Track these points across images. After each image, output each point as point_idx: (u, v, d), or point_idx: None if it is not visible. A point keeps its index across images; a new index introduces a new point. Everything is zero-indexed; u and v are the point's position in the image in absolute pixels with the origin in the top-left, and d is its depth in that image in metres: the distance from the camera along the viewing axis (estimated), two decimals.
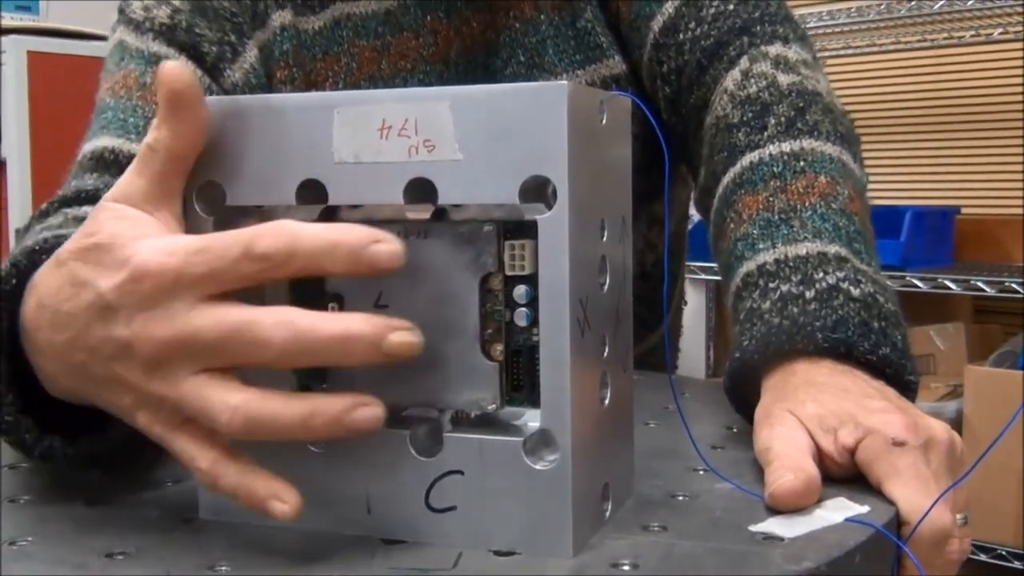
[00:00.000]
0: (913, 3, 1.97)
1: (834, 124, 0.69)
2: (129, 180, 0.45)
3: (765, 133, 0.68)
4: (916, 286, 1.98)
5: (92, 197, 0.68)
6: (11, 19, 3.60)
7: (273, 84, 0.82)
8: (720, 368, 2.48)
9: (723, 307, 2.51)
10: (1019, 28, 2.03)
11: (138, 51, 0.79)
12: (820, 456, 0.49)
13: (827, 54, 2.33)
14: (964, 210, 2.25)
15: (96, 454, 0.51)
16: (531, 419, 0.44)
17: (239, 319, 0.40)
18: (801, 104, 0.69)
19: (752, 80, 0.72)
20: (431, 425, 0.45)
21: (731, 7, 0.76)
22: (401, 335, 0.40)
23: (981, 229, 2.22)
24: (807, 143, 0.67)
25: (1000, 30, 2.08)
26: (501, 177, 0.41)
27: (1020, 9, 1.93)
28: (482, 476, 0.43)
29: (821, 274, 0.57)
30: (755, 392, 0.57)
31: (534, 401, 0.43)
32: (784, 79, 0.71)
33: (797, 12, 2.14)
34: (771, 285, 0.58)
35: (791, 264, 0.59)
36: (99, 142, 0.75)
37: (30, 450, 0.49)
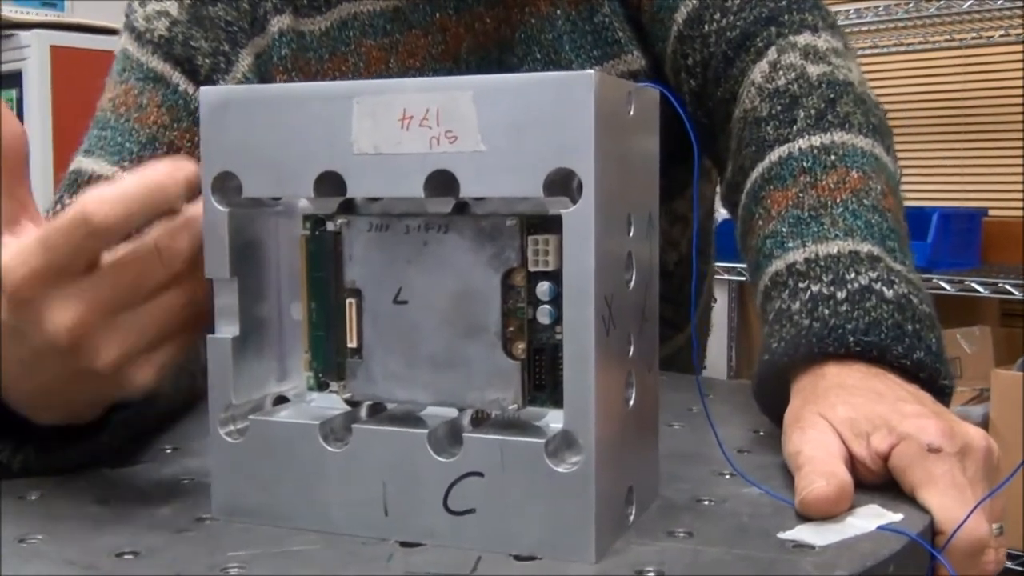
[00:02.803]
0: (942, 2, 1.94)
1: (866, 115, 0.67)
2: None
3: (795, 127, 0.66)
4: (943, 288, 1.96)
5: None
6: (36, 14, 3.63)
7: None
8: (742, 369, 2.45)
9: (746, 307, 2.49)
10: None
11: (138, 64, 0.80)
12: (852, 462, 0.48)
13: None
14: (992, 212, 2.22)
15: (69, 462, 0.53)
16: (553, 420, 0.43)
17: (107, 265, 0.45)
18: (832, 95, 0.68)
19: (780, 72, 0.70)
20: (450, 425, 0.44)
21: None
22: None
23: (1009, 231, 2.19)
24: (838, 136, 0.65)
25: None
26: (525, 170, 0.40)
27: None
28: (502, 478, 0.41)
29: (853, 274, 0.55)
30: (784, 395, 0.55)
31: (557, 401, 0.42)
32: (814, 70, 0.69)
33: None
34: (801, 285, 0.56)
35: (822, 263, 0.57)
36: (94, 165, 0.76)
37: (7, 468, 0.51)
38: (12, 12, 3.56)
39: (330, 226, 0.45)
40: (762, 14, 0.73)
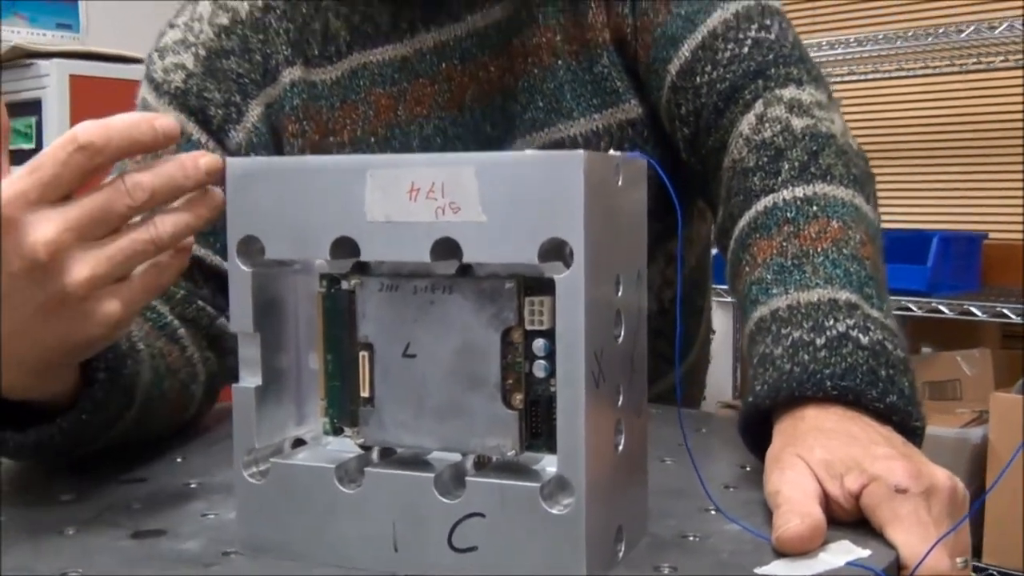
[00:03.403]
0: (942, 31, 1.98)
1: (847, 167, 0.71)
2: None
3: (779, 178, 0.70)
4: (942, 312, 1.99)
5: None
6: (52, 36, 3.69)
7: (284, 138, 0.85)
8: (746, 390, 2.49)
9: None
10: None
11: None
12: (827, 500, 0.52)
13: (855, 78, 2.34)
14: (992, 235, 2.25)
15: (44, 442, 0.58)
16: (548, 464, 0.47)
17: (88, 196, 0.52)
18: (815, 147, 0.72)
19: (767, 124, 0.74)
20: (454, 469, 0.48)
21: (746, 50, 0.78)
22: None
23: (1009, 255, 2.22)
24: (820, 187, 0.69)
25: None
26: (522, 238, 0.44)
27: None
28: (502, 518, 0.45)
29: (832, 321, 0.59)
30: (767, 434, 0.59)
31: (551, 447, 0.45)
32: (798, 123, 0.73)
33: (827, 38, 2.17)
34: (783, 331, 0.60)
35: (803, 311, 0.61)
36: None
37: None
38: (30, 35, 3.63)
39: (345, 285, 0.49)
40: (750, 68, 0.77)
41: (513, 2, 0.84)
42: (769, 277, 0.65)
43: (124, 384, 0.60)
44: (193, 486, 0.62)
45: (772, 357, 0.60)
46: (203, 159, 0.54)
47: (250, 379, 0.50)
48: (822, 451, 0.54)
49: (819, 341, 0.59)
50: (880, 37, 2.08)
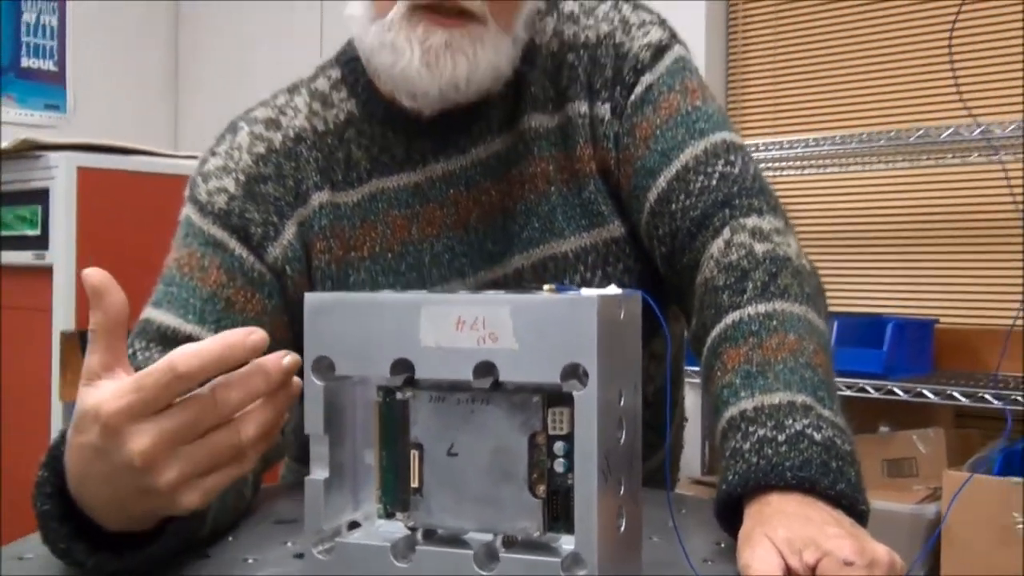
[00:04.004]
0: (892, 133, 2.15)
1: (801, 286, 0.84)
2: (88, 360, 0.64)
3: (744, 296, 0.83)
4: (897, 394, 2.12)
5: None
6: (40, 117, 3.80)
7: (312, 253, 0.96)
8: (714, 463, 2.60)
9: None
10: (990, 155, 2.21)
11: (200, 231, 0.95)
12: (788, 572, 0.63)
13: (814, 170, 2.51)
14: (943, 320, 2.39)
15: (128, 566, 0.67)
16: (566, 543, 0.58)
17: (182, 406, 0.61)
18: (774, 270, 0.84)
19: (733, 249, 0.87)
20: (488, 547, 0.59)
21: (714, 182, 0.91)
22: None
23: (958, 340, 2.36)
24: (779, 305, 0.81)
25: (977, 155, 2.26)
26: (546, 363, 0.56)
27: (991, 142, 2.10)
28: None
29: (791, 421, 0.71)
30: (739, 516, 0.71)
31: (569, 529, 0.57)
32: (759, 248, 0.86)
33: (788, 138, 2.32)
34: (751, 429, 0.72)
35: (766, 411, 0.73)
36: (164, 317, 0.91)
37: (84, 566, 0.67)
38: (18, 115, 3.73)
39: (399, 396, 0.61)
40: (718, 198, 0.90)
41: (511, 136, 0.97)
42: (737, 382, 0.77)
43: (201, 514, 0.70)
44: (250, 561, 0.72)
45: (741, 451, 0.72)
46: (286, 359, 0.62)
47: (320, 473, 0.61)
48: (784, 531, 0.65)
49: (780, 438, 0.71)
50: (837, 138, 2.24)
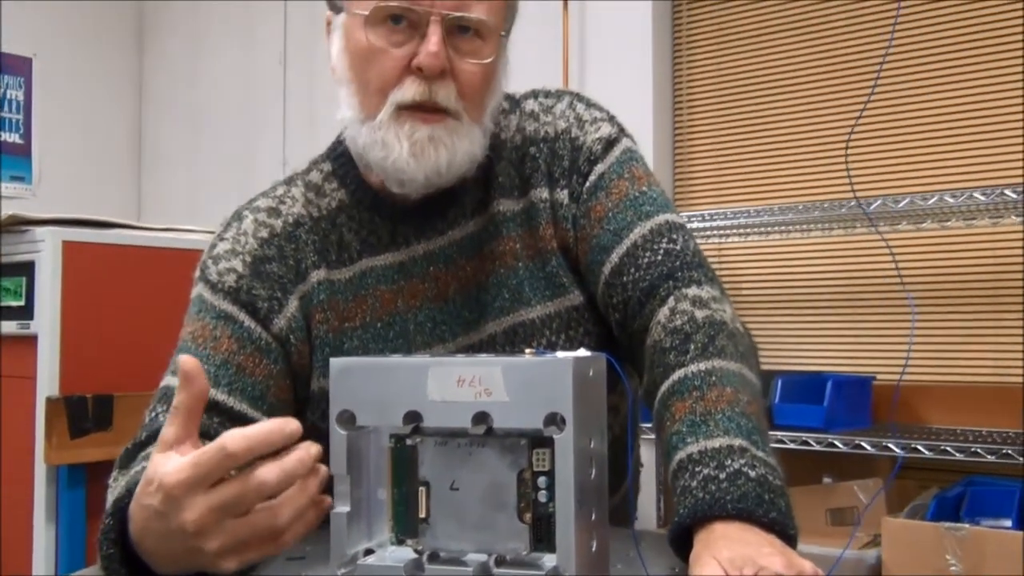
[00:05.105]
0: (827, 204, 2.32)
1: (736, 346, 0.98)
2: (165, 431, 0.76)
3: (688, 355, 0.97)
4: (836, 446, 2.27)
5: None
6: (6, 187, 3.88)
7: (312, 324, 1.08)
8: (669, 515, 2.73)
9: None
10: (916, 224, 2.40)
11: (212, 307, 1.07)
12: None
13: (757, 237, 2.68)
14: (879, 377, 2.56)
15: None
16: (548, 561, 0.71)
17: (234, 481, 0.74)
18: (712, 333, 0.98)
19: (677, 315, 1.01)
20: (483, 565, 0.71)
21: (660, 257, 1.05)
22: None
23: (893, 394, 2.52)
24: (717, 363, 0.95)
25: (907, 222, 2.44)
26: (531, 413, 0.69)
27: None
28: None
29: (730, 461, 0.85)
30: (689, 543, 0.84)
31: (551, 549, 0.70)
32: (700, 314, 1.00)
33: (732, 207, 2.50)
34: (696, 469, 0.86)
35: (709, 454, 0.86)
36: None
37: None
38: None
39: (408, 441, 0.73)
40: (663, 271, 1.04)
41: (483, 219, 1.11)
42: (684, 429, 0.90)
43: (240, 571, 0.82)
44: None
45: (690, 488, 0.85)
46: (314, 448, 0.74)
47: (342, 507, 0.73)
48: (727, 552, 0.78)
49: (721, 476, 0.84)
50: (776, 209, 2.42)
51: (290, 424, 0.73)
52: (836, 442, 2.27)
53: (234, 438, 0.72)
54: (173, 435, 0.76)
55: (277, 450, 0.73)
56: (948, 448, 2.14)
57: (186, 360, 0.76)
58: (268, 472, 0.73)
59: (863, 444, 2.27)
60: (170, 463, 0.74)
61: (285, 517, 0.74)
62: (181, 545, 0.74)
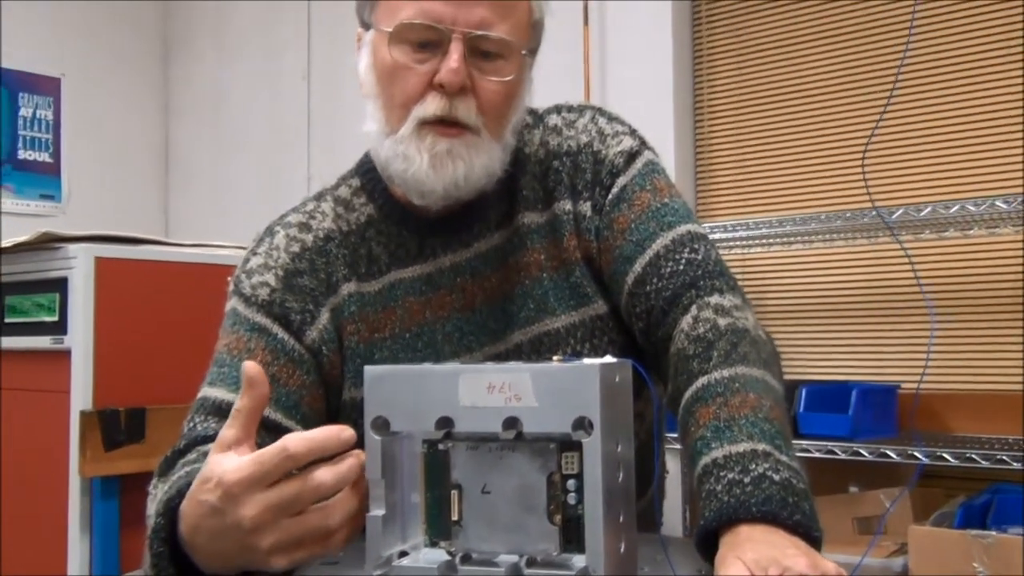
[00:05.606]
0: (848, 214, 2.33)
1: (758, 353, 1.00)
2: (224, 432, 0.79)
3: (711, 363, 0.98)
4: (863, 455, 2.28)
5: (212, 438, 0.97)
6: (35, 206, 3.94)
7: (343, 336, 1.11)
8: (696, 524, 2.73)
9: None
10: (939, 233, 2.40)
11: (246, 320, 1.10)
12: None
13: (780, 247, 2.69)
14: (904, 386, 2.56)
15: None
16: (578, 561, 0.73)
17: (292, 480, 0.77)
18: (735, 340, 1.00)
19: (700, 324, 1.03)
20: (514, 566, 0.73)
21: (682, 267, 1.08)
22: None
23: (921, 403, 2.52)
24: (740, 369, 0.97)
25: (930, 231, 2.44)
26: (560, 417, 0.71)
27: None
28: None
29: (754, 466, 0.87)
30: (715, 546, 0.85)
31: (581, 550, 0.72)
32: (722, 322, 1.02)
33: (755, 217, 2.51)
34: (722, 474, 0.88)
35: (734, 459, 0.88)
36: (218, 393, 1.06)
37: None
38: (15, 205, 3.88)
39: (441, 447, 0.76)
40: (686, 280, 1.06)
41: (508, 232, 1.13)
42: (708, 435, 0.92)
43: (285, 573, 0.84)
44: None
45: (715, 492, 0.87)
46: (363, 456, 0.77)
47: (377, 510, 0.76)
48: (752, 553, 0.80)
49: (746, 480, 0.86)
50: (798, 219, 2.43)
51: (345, 431, 0.77)
52: (862, 451, 2.27)
53: (295, 440, 0.75)
54: (233, 436, 0.79)
55: (330, 456, 0.77)
56: (974, 456, 2.14)
57: (250, 366, 0.80)
58: (325, 474, 0.76)
59: (888, 452, 2.27)
60: (229, 461, 0.77)
61: (337, 518, 0.77)
62: (235, 542, 0.77)
